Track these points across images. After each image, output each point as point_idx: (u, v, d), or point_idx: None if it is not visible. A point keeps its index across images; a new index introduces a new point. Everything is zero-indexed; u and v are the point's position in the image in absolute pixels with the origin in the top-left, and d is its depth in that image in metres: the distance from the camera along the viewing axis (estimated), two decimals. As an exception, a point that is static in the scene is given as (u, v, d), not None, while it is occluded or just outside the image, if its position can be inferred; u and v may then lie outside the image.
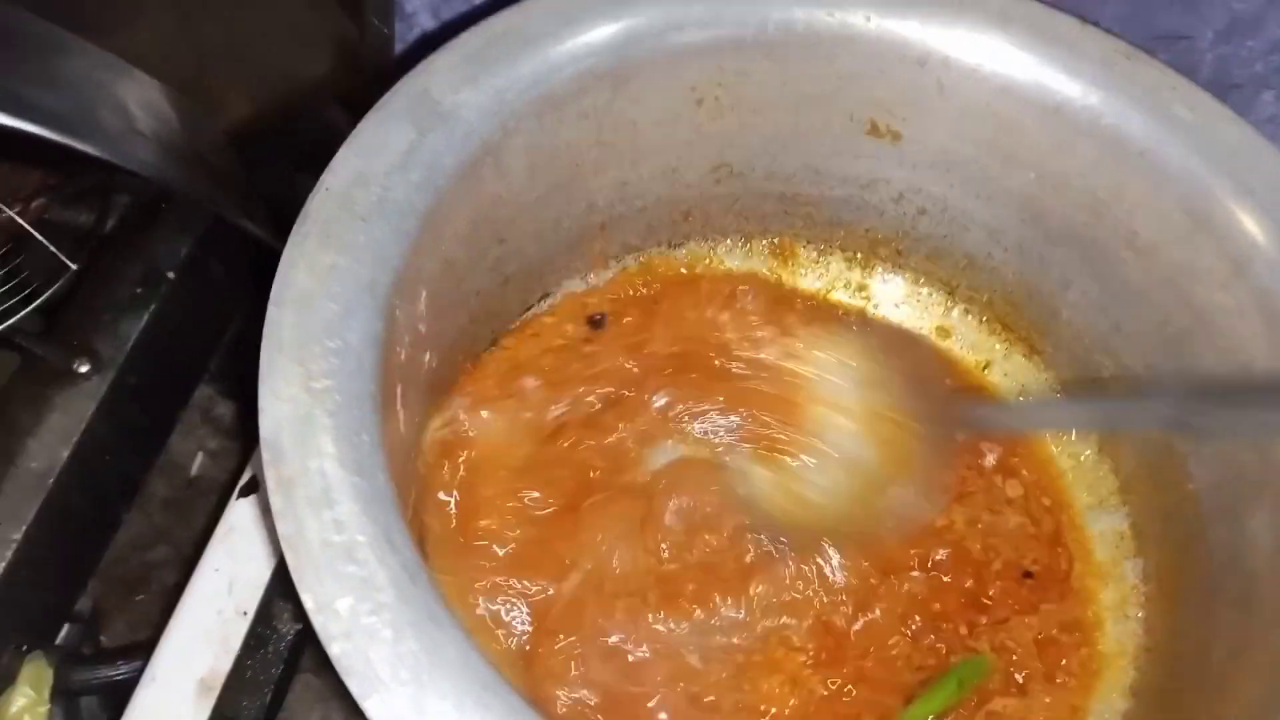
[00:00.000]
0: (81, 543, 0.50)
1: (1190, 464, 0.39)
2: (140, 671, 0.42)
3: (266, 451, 0.27)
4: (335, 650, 0.24)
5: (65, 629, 0.49)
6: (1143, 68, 0.38)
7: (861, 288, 0.48)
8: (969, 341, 0.47)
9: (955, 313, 0.47)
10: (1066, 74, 0.38)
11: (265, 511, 0.41)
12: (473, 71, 0.35)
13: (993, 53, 0.39)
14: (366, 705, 0.24)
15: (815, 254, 0.48)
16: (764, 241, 0.48)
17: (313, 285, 0.30)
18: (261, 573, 0.42)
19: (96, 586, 0.52)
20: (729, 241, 0.48)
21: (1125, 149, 0.38)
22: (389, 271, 0.31)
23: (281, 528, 0.26)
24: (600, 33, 0.37)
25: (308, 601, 0.25)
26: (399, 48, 0.61)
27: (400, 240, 0.32)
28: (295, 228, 0.32)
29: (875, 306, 0.48)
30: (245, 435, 0.63)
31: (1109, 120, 0.38)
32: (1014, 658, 0.39)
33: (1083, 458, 0.44)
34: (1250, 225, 0.36)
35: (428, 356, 0.37)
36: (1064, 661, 0.39)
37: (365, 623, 0.25)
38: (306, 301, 0.30)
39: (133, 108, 0.46)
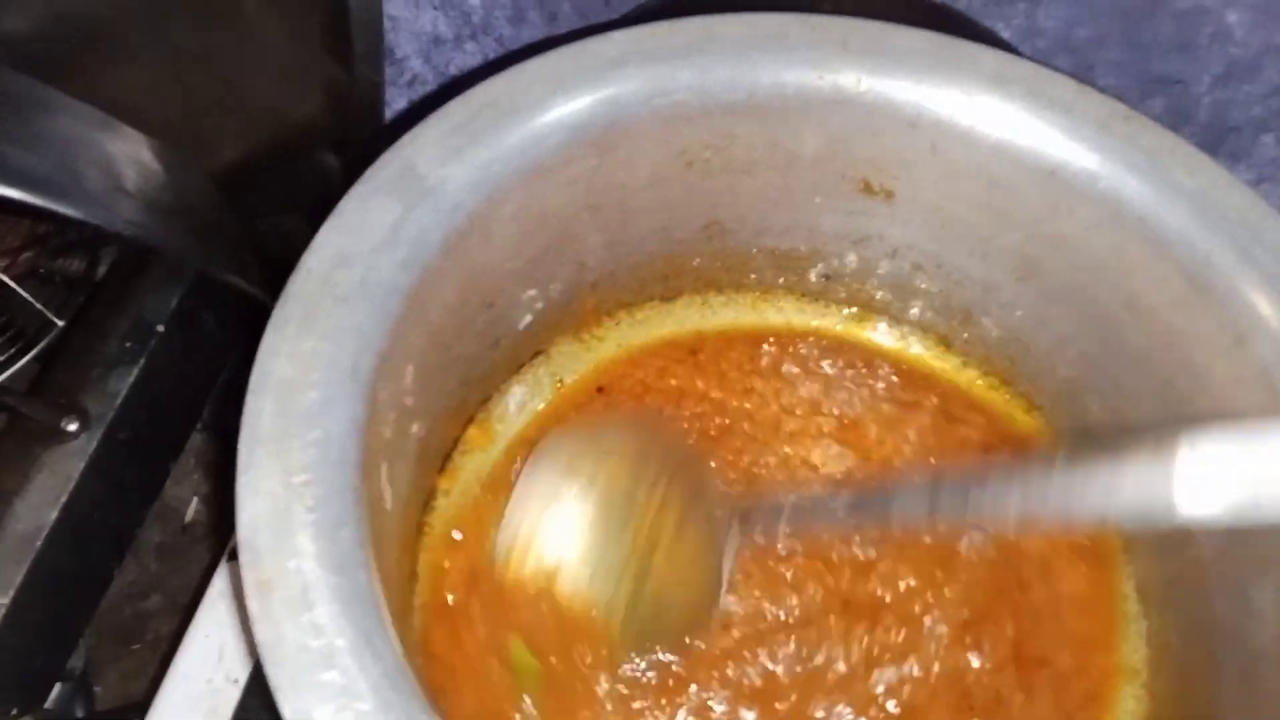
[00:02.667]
0: (72, 603, 0.49)
1: (1194, 529, 0.38)
2: (129, 737, 0.41)
3: (243, 553, 0.26)
4: (313, 765, 0.24)
5: (56, 689, 0.48)
6: (1142, 130, 0.37)
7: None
8: (964, 396, 0.46)
9: (951, 367, 0.46)
10: (1063, 136, 0.38)
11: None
12: (458, 143, 0.35)
13: (987, 114, 0.38)
14: (345, 824, 0.23)
15: (809, 307, 0.47)
16: (756, 294, 0.47)
17: (293, 372, 0.29)
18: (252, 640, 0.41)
19: (89, 637, 0.51)
20: (723, 296, 0.47)
21: (1123, 212, 0.37)
22: (372, 354, 0.31)
23: (259, 634, 0.25)
24: (586, 100, 0.37)
25: (285, 711, 0.25)
26: (390, 92, 0.61)
27: (384, 320, 0.32)
28: (276, 310, 0.31)
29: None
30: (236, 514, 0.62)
31: (1106, 184, 0.37)
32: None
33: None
34: (1252, 295, 0.35)
35: (415, 427, 0.37)
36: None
37: (344, 734, 0.24)
38: (286, 390, 0.29)
39: (119, 165, 0.46)
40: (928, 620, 0.39)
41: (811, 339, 0.46)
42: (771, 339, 0.46)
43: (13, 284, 0.48)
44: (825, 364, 0.45)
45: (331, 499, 0.28)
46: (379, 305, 0.32)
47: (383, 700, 0.25)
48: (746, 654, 0.38)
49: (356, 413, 0.30)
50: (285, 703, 0.25)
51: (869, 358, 0.46)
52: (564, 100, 0.36)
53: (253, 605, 0.26)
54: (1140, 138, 0.37)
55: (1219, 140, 0.55)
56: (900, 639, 0.39)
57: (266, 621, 0.25)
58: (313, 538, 0.27)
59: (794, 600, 0.39)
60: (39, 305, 0.48)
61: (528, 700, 0.35)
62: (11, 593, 0.44)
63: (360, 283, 0.32)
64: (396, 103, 0.61)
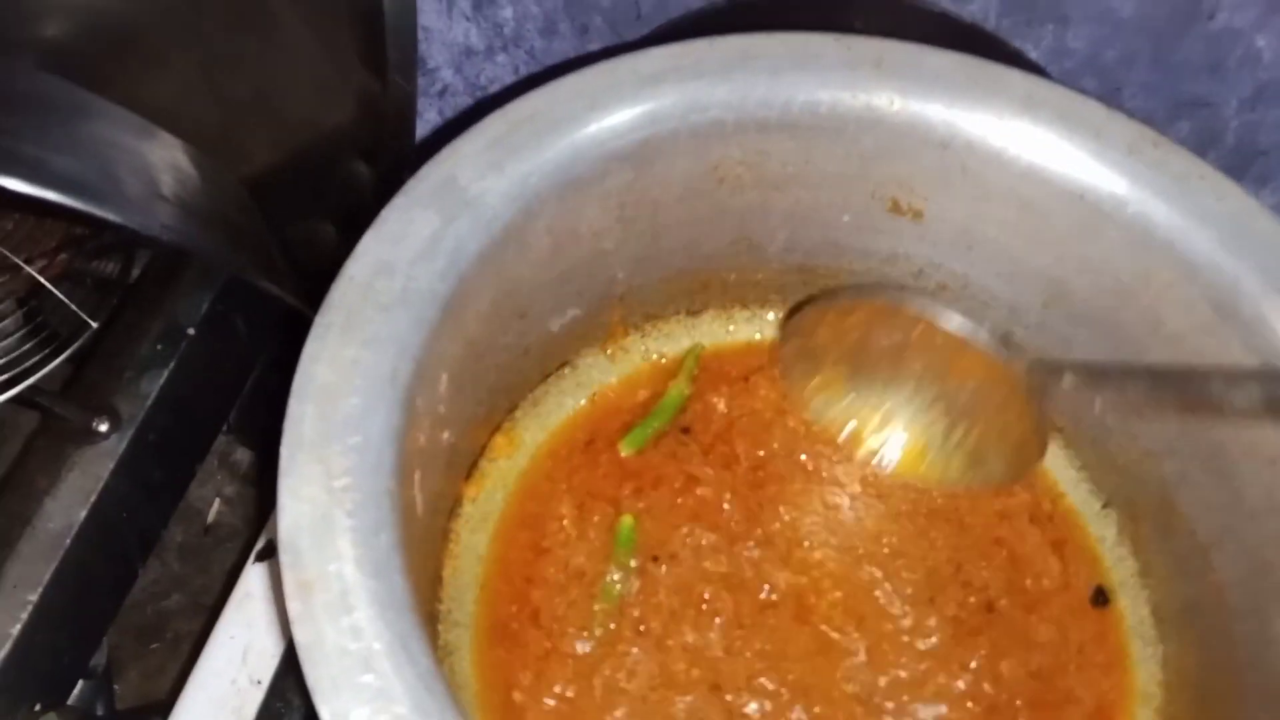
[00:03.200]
0: (97, 601, 0.49)
1: (1213, 555, 0.38)
2: (153, 736, 0.42)
3: (285, 554, 0.27)
4: (351, 765, 0.24)
5: (79, 685, 0.49)
6: (1170, 155, 0.38)
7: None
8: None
9: (975, 386, 0.47)
10: (1092, 160, 0.38)
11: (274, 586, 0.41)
12: (497, 157, 0.35)
13: (1017, 137, 0.39)
14: (381, 824, 0.24)
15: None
16: (783, 311, 0.47)
17: (335, 379, 0.30)
18: (276, 642, 0.42)
19: (111, 635, 0.52)
20: (748, 311, 0.48)
21: (1151, 237, 0.38)
22: (410, 361, 0.31)
23: (299, 635, 0.26)
24: (623, 116, 0.37)
25: (323, 712, 0.25)
26: (422, 102, 0.62)
27: (422, 329, 0.32)
28: (318, 317, 0.32)
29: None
30: (262, 483, 0.63)
31: (1135, 208, 0.38)
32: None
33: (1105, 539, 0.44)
34: (1277, 319, 0.35)
35: (446, 435, 0.37)
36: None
37: (381, 736, 0.25)
38: (328, 396, 0.30)
39: (156, 171, 0.46)
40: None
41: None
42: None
43: (49, 285, 0.49)
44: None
45: (370, 504, 0.28)
46: (418, 314, 0.32)
47: (418, 703, 0.25)
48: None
49: (394, 420, 0.30)
50: (324, 704, 0.25)
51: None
52: (602, 116, 0.37)
53: (293, 607, 0.26)
54: (1169, 163, 0.38)
55: (1247, 163, 0.55)
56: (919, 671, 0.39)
57: (307, 623, 0.26)
58: (352, 542, 0.27)
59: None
60: (73, 306, 0.49)
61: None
62: (40, 590, 0.44)
63: (400, 292, 0.32)
64: (427, 113, 0.61)
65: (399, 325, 0.32)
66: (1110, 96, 0.53)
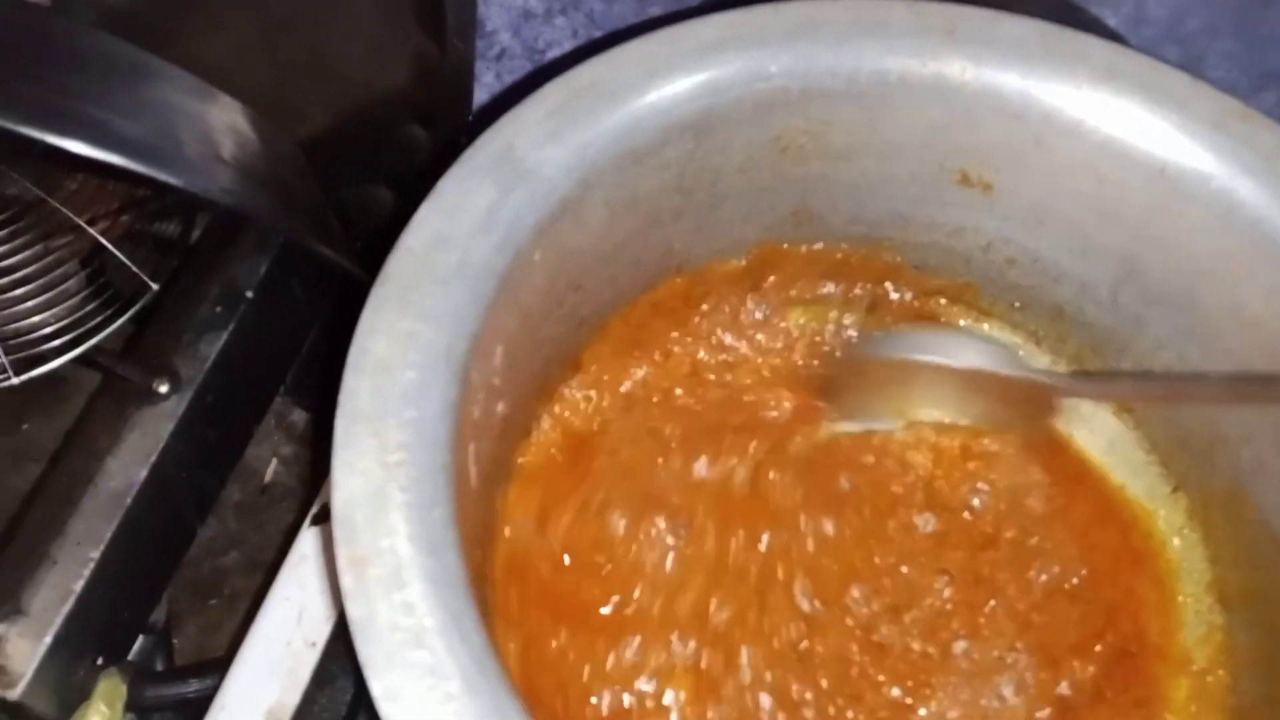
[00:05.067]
0: (157, 558, 0.51)
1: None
2: (211, 691, 0.43)
3: (338, 529, 0.27)
4: (403, 742, 0.24)
5: (139, 641, 0.50)
6: (1258, 130, 0.36)
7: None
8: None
9: (1042, 363, 0.45)
10: (1176, 133, 0.36)
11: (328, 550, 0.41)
12: (556, 127, 0.34)
13: (1097, 109, 0.37)
14: (432, 801, 0.24)
15: (897, 298, 0.47)
16: (842, 284, 0.46)
17: (391, 353, 0.30)
18: (330, 605, 0.42)
19: (170, 591, 0.53)
20: (802, 283, 0.47)
21: (1235, 216, 0.36)
22: (466, 336, 0.31)
23: (352, 610, 0.26)
24: (685, 84, 0.36)
25: (375, 688, 0.25)
26: (479, 65, 0.61)
27: (478, 302, 0.32)
28: (375, 289, 0.31)
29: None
30: (317, 445, 0.63)
31: (1219, 184, 0.36)
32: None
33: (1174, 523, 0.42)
34: (1366, 307, 0.34)
35: (500, 406, 0.37)
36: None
37: (433, 713, 0.25)
38: (384, 369, 0.29)
39: (216, 134, 0.46)
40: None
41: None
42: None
43: (110, 246, 0.49)
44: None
45: (424, 480, 0.28)
46: (474, 288, 0.32)
47: (469, 682, 0.25)
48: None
49: (450, 394, 0.30)
50: (375, 679, 0.25)
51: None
52: (662, 84, 0.36)
53: (346, 581, 0.26)
54: (1257, 138, 0.36)
55: (1332, 139, 0.53)
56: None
57: (360, 599, 0.26)
58: (406, 518, 0.27)
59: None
60: (134, 268, 0.49)
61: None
62: (102, 547, 0.45)
63: (458, 265, 0.32)
64: (484, 76, 0.61)
65: (456, 299, 0.31)
66: (1192, 66, 0.51)
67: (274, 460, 0.65)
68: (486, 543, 0.39)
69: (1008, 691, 0.38)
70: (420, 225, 0.32)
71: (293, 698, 0.41)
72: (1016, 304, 0.45)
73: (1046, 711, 0.38)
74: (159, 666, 0.50)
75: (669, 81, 0.36)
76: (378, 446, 0.28)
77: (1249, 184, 0.36)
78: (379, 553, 0.27)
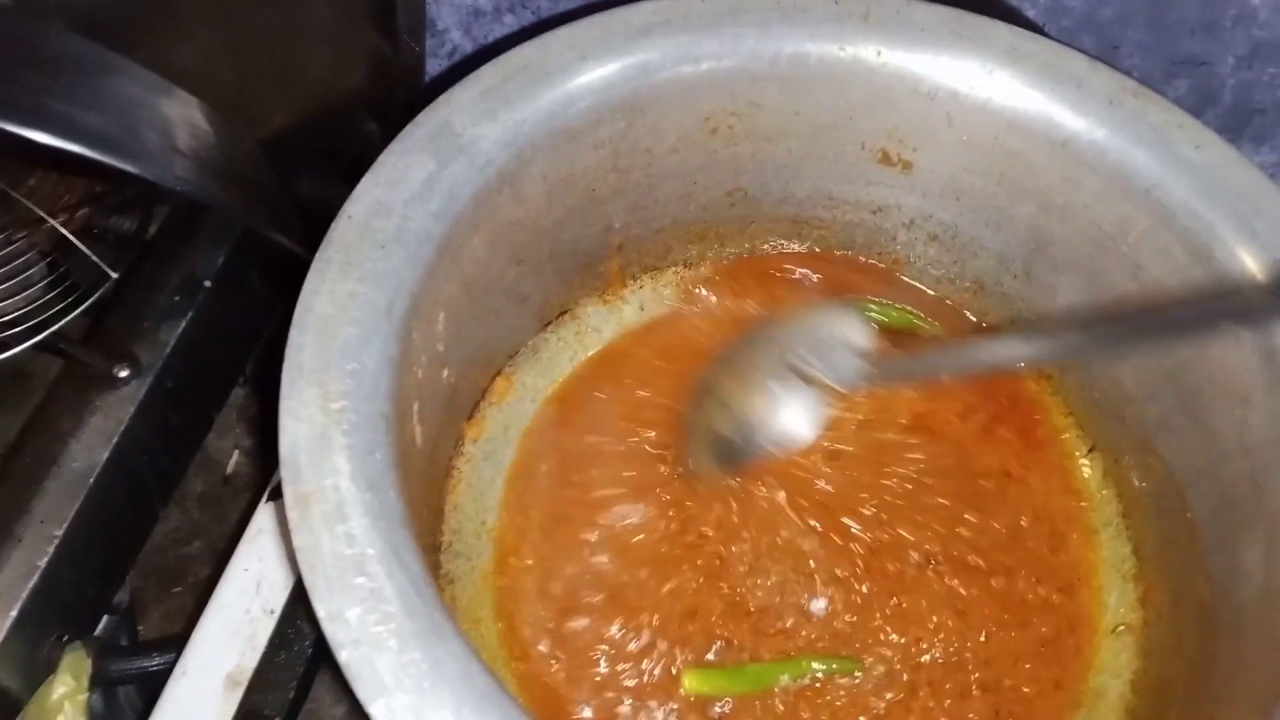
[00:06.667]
0: (120, 538, 0.52)
1: (1189, 493, 0.39)
2: (173, 664, 0.44)
3: (285, 469, 0.29)
4: (344, 657, 0.26)
5: (104, 620, 0.51)
6: (1150, 106, 0.39)
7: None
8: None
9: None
10: (1074, 110, 0.39)
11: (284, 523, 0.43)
12: (491, 105, 0.37)
13: (1001, 87, 0.40)
14: (372, 710, 0.26)
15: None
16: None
17: (333, 311, 0.32)
18: (288, 574, 0.44)
19: (134, 579, 0.54)
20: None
21: (1131, 184, 0.39)
22: (406, 296, 0.33)
23: (297, 541, 0.28)
24: (614, 66, 0.38)
25: (319, 611, 0.27)
26: (431, 62, 0.63)
27: (417, 266, 0.34)
28: (318, 254, 0.33)
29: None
30: (275, 433, 0.65)
31: (1114, 156, 0.39)
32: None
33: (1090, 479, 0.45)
34: (1250, 264, 0.36)
35: (445, 373, 0.39)
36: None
37: (373, 632, 0.27)
38: (326, 326, 0.31)
39: (174, 126, 0.48)
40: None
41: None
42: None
43: (72, 237, 0.51)
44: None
45: (365, 425, 0.30)
46: (413, 253, 0.34)
47: (408, 604, 0.27)
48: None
49: (390, 350, 0.32)
50: (320, 603, 0.27)
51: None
52: (593, 65, 0.38)
53: (293, 516, 0.28)
54: (1149, 112, 0.39)
55: (1244, 122, 0.56)
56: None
57: (305, 531, 0.28)
58: (348, 458, 0.29)
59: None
60: (94, 257, 0.51)
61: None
62: (65, 525, 0.46)
63: (396, 231, 0.34)
64: (436, 73, 0.63)
65: (395, 262, 0.33)
66: (1107, 55, 0.54)
67: (235, 452, 0.66)
68: (435, 509, 0.41)
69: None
70: (361, 195, 0.34)
71: (251, 661, 0.42)
72: (939, 279, 0.47)
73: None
74: (123, 643, 0.52)
75: (600, 63, 0.38)
76: (321, 395, 0.30)
77: (1142, 154, 0.38)
78: (323, 490, 0.28)
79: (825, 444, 0.43)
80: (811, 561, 0.41)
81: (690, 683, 0.38)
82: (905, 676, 0.39)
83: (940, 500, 0.43)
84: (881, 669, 0.39)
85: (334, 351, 0.31)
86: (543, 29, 0.59)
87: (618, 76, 0.39)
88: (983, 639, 0.40)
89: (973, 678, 0.40)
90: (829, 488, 0.42)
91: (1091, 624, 0.42)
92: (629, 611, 0.39)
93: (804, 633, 0.40)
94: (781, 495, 0.42)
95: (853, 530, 0.41)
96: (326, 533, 0.28)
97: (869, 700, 0.39)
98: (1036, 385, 0.46)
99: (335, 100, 0.61)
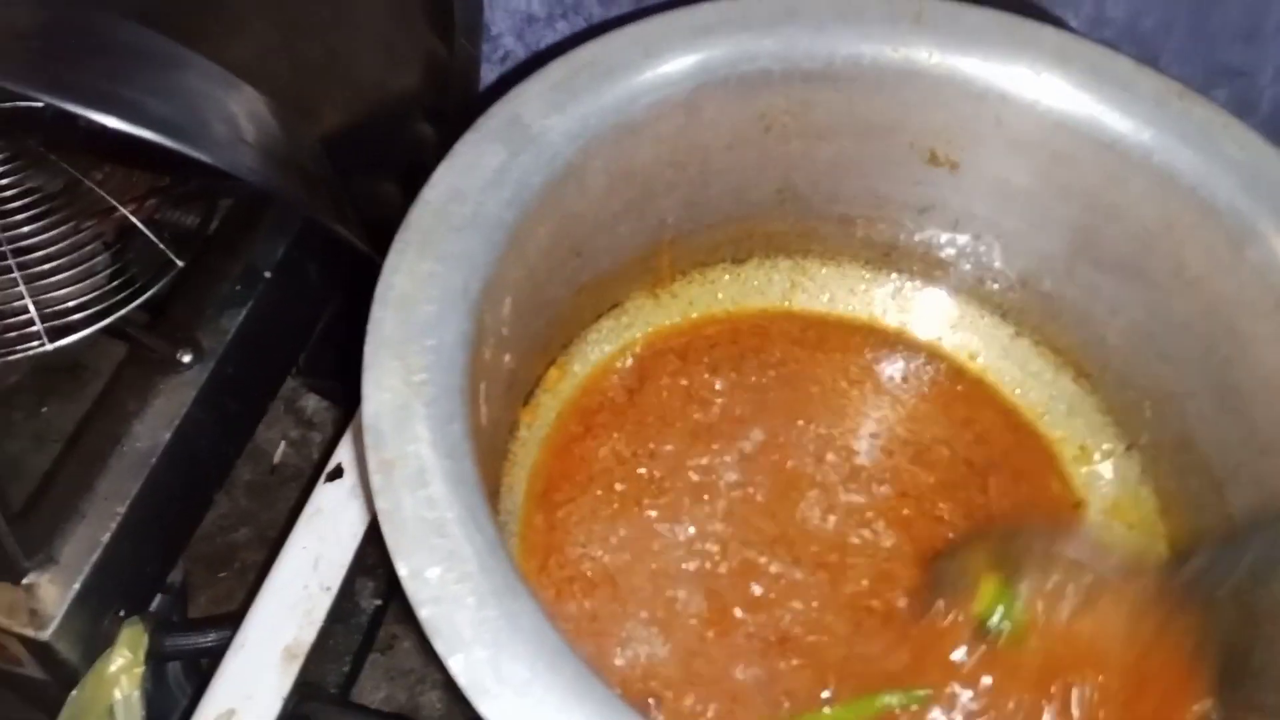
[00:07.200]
0: (177, 519, 0.53)
1: (1226, 489, 0.40)
2: (227, 641, 0.45)
3: (369, 435, 0.30)
4: (425, 613, 0.27)
5: (158, 599, 0.53)
6: (1195, 107, 0.40)
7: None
8: (1019, 362, 0.49)
9: (1006, 335, 0.49)
10: (1120, 111, 0.40)
11: (353, 495, 0.44)
12: (559, 99, 0.38)
13: (1049, 90, 0.41)
14: (450, 662, 0.27)
15: (872, 274, 0.50)
16: (821, 260, 0.50)
17: (412, 289, 0.33)
18: (345, 553, 0.45)
19: (185, 562, 0.56)
20: (790, 260, 0.50)
21: (1175, 184, 0.40)
22: (479, 279, 0.34)
23: (380, 504, 0.29)
24: (677, 64, 0.40)
25: (401, 569, 0.28)
26: (485, 67, 0.65)
27: (490, 250, 0.35)
28: (398, 236, 0.35)
29: (930, 328, 0.50)
30: (325, 427, 0.66)
31: (1160, 156, 0.40)
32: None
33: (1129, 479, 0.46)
34: (1292, 259, 0.37)
35: (507, 358, 0.40)
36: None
37: (452, 590, 0.28)
38: (407, 303, 0.33)
39: (240, 119, 0.50)
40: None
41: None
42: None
43: (140, 225, 0.53)
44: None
45: (444, 397, 0.31)
46: (486, 237, 0.35)
47: (483, 564, 0.28)
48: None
49: (465, 328, 0.33)
50: (401, 561, 0.28)
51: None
52: (656, 62, 0.40)
53: (376, 480, 0.29)
54: (1194, 113, 0.40)
55: (1280, 132, 0.57)
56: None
57: (388, 494, 0.29)
58: (429, 427, 0.30)
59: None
60: (161, 245, 0.53)
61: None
62: (128, 503, 0.48)
63: (471, 216, 0.35)
64: (489, 78, 0.64)
65: (470, 244, 0.35)
66: (1148, 64, 0.54)
67: (283, 443, 0.68)
68: (493, 488, 0.42)
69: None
70: (438, 182, 0.36)
71: (309, 635, 0.43)
72: (983, 279, 0.48)
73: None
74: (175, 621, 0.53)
75: (662, 61, 0.40)
76: (402, 368, 0.31)
77: (1187, 155, 0.39)
78: (404, 456, 0.30)
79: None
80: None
81: None
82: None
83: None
84: None
85: (415, 327, 0.32)
86: (594, 34, 0.61)
87: (679, 74, 0.40)
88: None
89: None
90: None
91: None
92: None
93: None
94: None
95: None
96: (409, 496, 0.29)
97: None
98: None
99: (390, 100, 0.63)
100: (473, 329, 0.34)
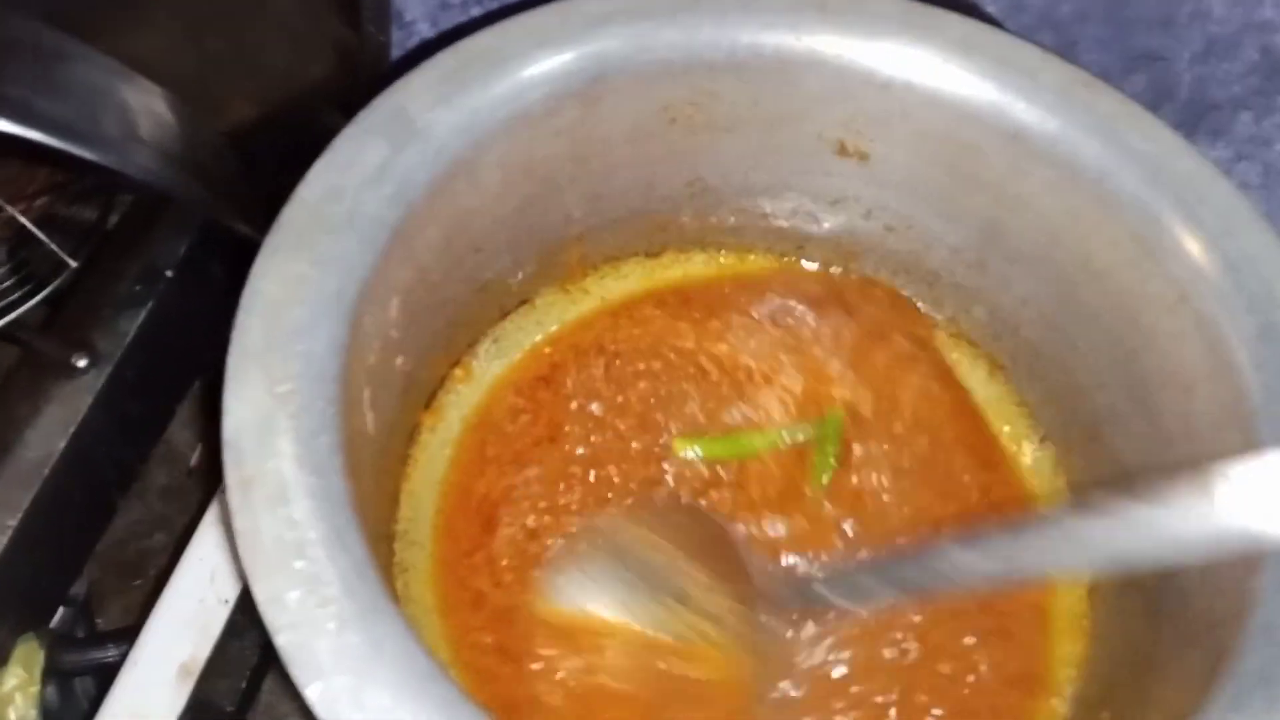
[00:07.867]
0: (77, 530, 0.51)
1: (1136, 480, 0.40)
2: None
3: (228, 452, 0.29)
4: (281, 640, 0.26)
5: (60, 612, 0.51)
6: (1101, 97, 0.39)
7: (833, 301, 0.49)
8: (935, 354, 0.48)
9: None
10: (1025, 101, 0.39)
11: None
12: (447, 91, 0.37)
13: (953, 79, 0.40)
14: (307, 693, 0.25)
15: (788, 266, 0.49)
16: (736, 254, 0.49)
17: (281, 294, 0.32)
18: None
19: (93, 571, 0.54)
20: (705, 254, 0.49)
21: (1080, 175, 0.39)
22: (356, 281, 0.33)
23: (237, 525, 0.28)
24: (572, 54, 0.39)
25: (258, 594, 0.27)
26: (397, 54, 0.63)
27: (369, 251, 0.34)
28: (268, 238, 0.33)
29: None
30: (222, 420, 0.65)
31: (1064, 147, 0.39)
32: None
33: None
34: (1196, 254, 0.37)
35: (400, 360, 0.39)
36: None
37: (312, 614, 0.27)
38: (274, 310, 0.31)
39: (135, 114, 0.48)
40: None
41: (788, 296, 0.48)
42: (746, 294, 0.47)
43: (31, 226, 0.51)
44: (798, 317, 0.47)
45: (311, 409, 0.30)
46: (365, 237, 0.34)
47: (348, 586, 0.27)
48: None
49: (339, 334, 0.32)
50: (258, 586, 0.27)
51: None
52: (550, 53, 0.38)
53: (234, 499, 0.28)
54: (1099, 103, 0.39)
55: (1199, 117, 0.56)
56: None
57: (245, 514, 0.28)
58: (292, 441, 0.29)
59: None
60: (53, 246, 0.51)
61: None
62: (20, 515, 0.46)
63: (348, 215, 0.34)
64: (404, 66, 0.63)
65: (346, 247, 0.33)
66: (1066, 51, 0.54)
67: (199, 446, 0.66)
68: (390, 497, 0.41)
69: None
70: (314, 179, 0.34)
71: (204, 651, 0.42)
72: (896, 270, 0.48)
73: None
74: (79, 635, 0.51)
75: (557, 51, 0.38)
76: (266, 378, 0.30)
77: (1093, 145, 0.39)
78: (264, 474, 0.28)
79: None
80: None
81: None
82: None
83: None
84: None
85: (281, 335, 0.31)
86: (500, 14, 0.60)
87: (574, 65, 0.39)
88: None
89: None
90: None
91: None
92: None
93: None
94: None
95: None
96: (268, 515, 0.28)
97: None
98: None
99: (298, 90, 0.61)
100: (348, 335, 0.32)
